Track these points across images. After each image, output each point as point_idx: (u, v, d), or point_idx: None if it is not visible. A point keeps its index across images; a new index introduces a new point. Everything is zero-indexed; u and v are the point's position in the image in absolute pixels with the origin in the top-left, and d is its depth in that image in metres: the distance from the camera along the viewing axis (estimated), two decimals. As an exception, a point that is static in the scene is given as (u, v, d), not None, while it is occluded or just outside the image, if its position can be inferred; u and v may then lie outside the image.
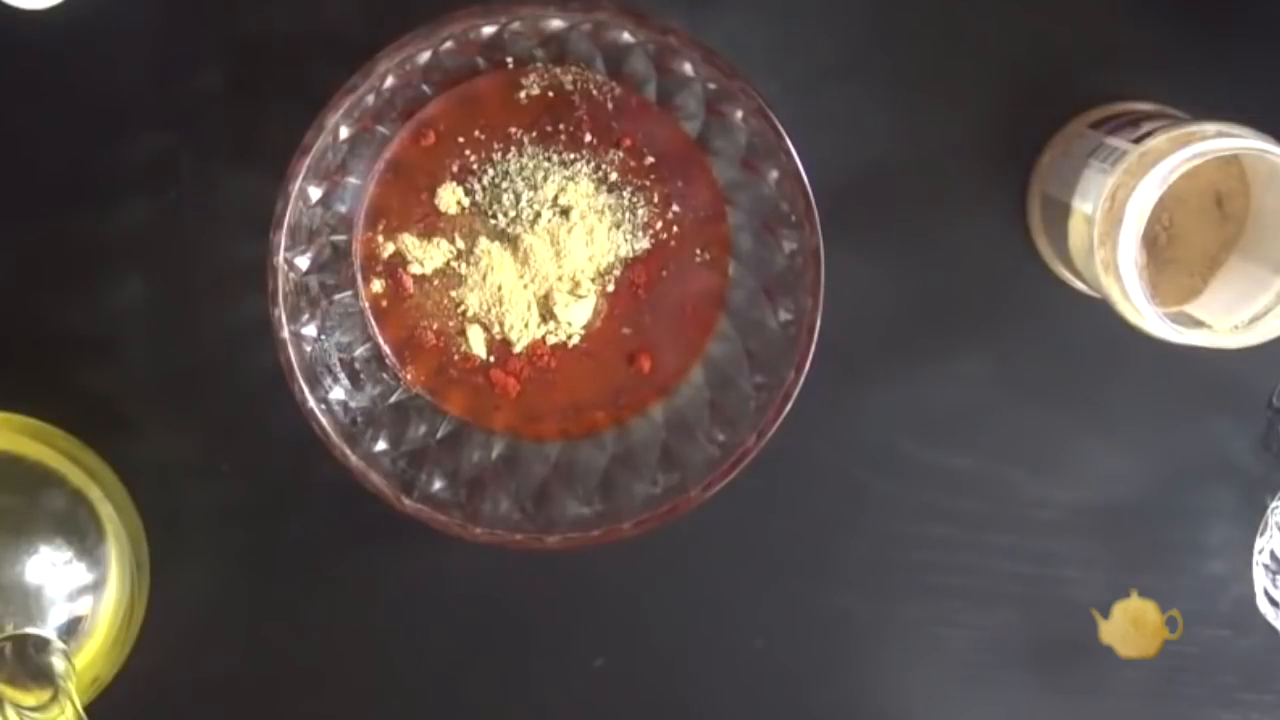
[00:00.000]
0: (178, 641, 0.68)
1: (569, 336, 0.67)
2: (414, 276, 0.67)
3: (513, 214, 0.66)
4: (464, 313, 0.67)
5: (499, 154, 0.66)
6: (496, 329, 0.67)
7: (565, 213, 0.66)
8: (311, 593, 0.70)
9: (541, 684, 0.71)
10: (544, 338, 0.67)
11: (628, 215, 0.67)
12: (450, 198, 0.66)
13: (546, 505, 0.66)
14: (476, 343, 0.67)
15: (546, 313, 0.67)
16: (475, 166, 0.67)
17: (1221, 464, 0.70)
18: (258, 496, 0.69)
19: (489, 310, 0.67)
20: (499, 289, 0.66)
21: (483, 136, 0.66)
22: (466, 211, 0.67)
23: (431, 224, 0.67)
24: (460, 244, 0.67)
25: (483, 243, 0.66)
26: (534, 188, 0.66)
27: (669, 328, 0.67)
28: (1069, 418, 0.70)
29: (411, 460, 0.66)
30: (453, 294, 0.67)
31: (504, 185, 0.66)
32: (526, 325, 0.67)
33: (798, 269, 0.64)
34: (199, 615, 0.69)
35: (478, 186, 0.67)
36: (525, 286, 0.66)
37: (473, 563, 0.69)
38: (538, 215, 0.66)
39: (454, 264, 0.67)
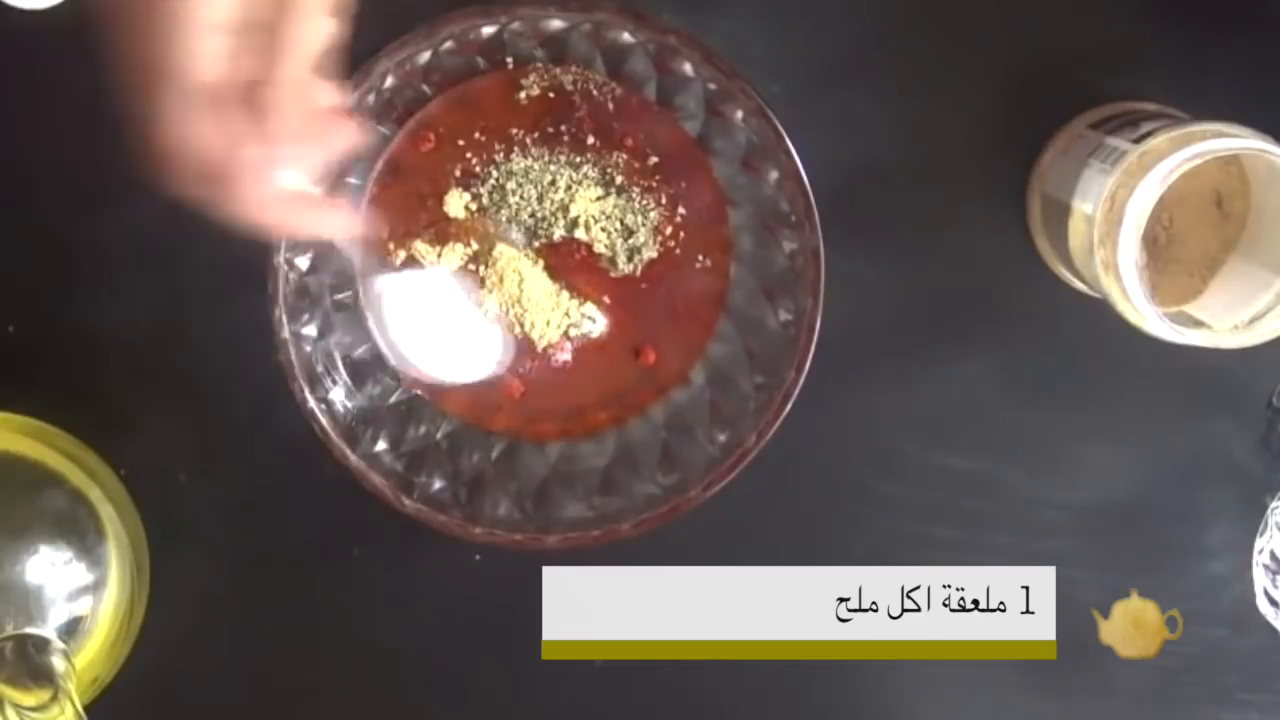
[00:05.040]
0: (177, 642, 0.68)
1: (585, 334, 0.67)
2: (427, 282, 0.67)
3: (524, 216, 0.66)
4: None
5: (500, 156, 0.66)
6: (518, 329, 0.67)
7: (577, 216, 0.66)
8: (311, 593, 0.70)
9: (541, 684, 0.71)
10: (563, 335, 0.67)
11: (640, 219, 0.66)
12: (458, 203, 0.66)
13: (546, 505, 0.66)
14: None
15: (566, 311, 0.67)
16: (478, 170, 0.66)
17: (1221, 464, 0.70)
18: (258, 496, 0.69)
19: (508, 310, 0.67)
20: (519, 289, 0.66)
21: (483, 139, 0.66)
22: (475, 216, 0.67)
23: (443, 230, 0.66)
24: (475, 246, 0.67)
25: (499, 246, 0.66)
26: (541, 190, 0.66)
27: (670, 328, 0.67)
28: (1069, 418, 0.70)
29: (411, 460, 0.66)
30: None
31: (509, 188, 0.66)
32: (549, 323, 0.66)
33: (798, 269, 0.64)
34: (199, 615, 0.69)
35: (483, 191, 0.67)
36: (544, 286, 0.66)
37: (473, 563, 0.69)
38: (549, 217, 0.66)
39: (470, 267, 0.67)
